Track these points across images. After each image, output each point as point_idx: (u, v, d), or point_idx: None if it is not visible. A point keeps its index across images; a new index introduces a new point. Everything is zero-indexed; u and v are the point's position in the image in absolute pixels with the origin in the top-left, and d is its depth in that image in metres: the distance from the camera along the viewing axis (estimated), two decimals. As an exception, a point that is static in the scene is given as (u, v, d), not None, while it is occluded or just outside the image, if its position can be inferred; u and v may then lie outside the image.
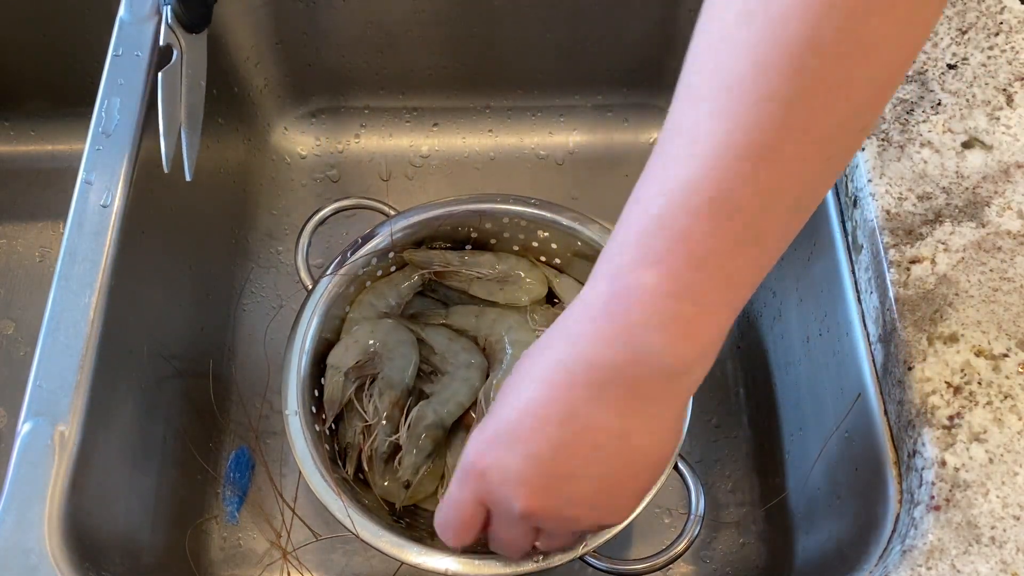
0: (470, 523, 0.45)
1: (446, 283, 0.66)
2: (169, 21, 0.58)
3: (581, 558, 0.52)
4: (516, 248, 0.66)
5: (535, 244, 0.65)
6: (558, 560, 0.52)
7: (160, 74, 0.58)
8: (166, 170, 0.57)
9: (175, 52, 0.59)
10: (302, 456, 0.55)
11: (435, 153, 0.82)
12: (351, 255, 0.62)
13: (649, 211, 0.36)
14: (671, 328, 0.37)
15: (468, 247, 0.66)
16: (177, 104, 0.58)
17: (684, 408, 0.42)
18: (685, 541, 0.53)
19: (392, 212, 0.64)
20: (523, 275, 0.65)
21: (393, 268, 0.65)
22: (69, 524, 0.48)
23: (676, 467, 0.55)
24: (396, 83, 0.81)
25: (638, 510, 0.50)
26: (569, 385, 0.39)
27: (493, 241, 0.66)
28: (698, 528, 0.54)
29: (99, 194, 0.56)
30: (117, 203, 0.56)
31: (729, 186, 0.34)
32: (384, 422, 0.60)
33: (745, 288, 0.38)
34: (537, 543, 0.48)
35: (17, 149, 0.82)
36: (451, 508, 0.45)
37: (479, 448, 0.42)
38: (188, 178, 0.58)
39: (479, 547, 0.51)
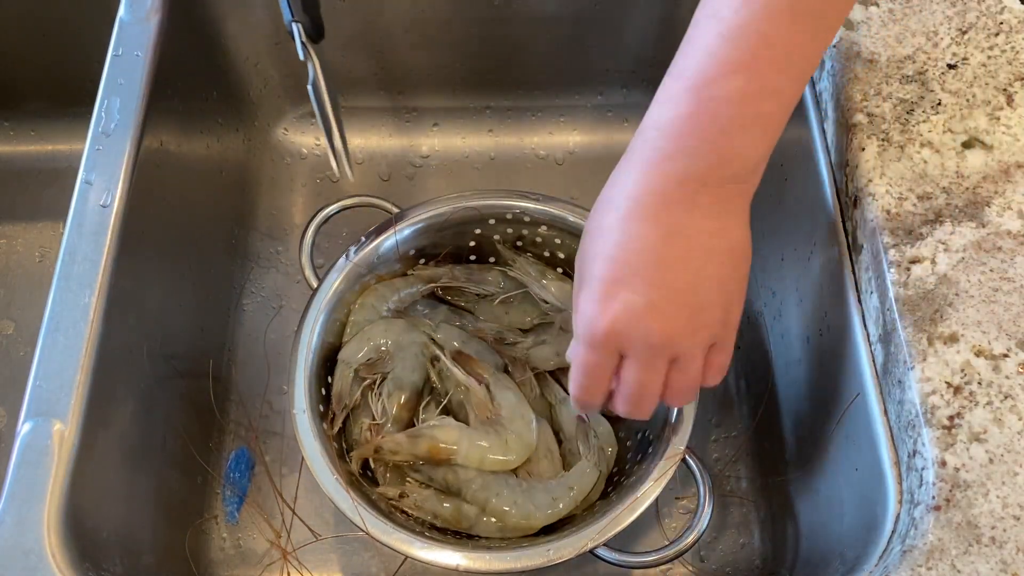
0: (604, 380, 0.46)
1: (451, 300, 0.66)
2: (303, 38, 0.61)
3: (592, 551, 0.52)
4: (519, 244, 0.66)
5: (538, 240, 0.65)
6: (568, 554, 0.52)
7: (309, 87, 0.60)
8: (346, 177, 0.63)
9: (310, 66, 0.61)
10: (311, 454, 0.55)
11: (435, 153, 0.82)
12: (356, 253, 0.62)
13: (730, 23, 0.39)
14: (753, 128, 0.40)
15: (471, 243, 0.66)
16: (327, 112, 0.61)
17: (748, 209, 0.44)
18: (695, 533, 0.54)
19: (396, 211, 0.64)
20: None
21: (398, 265, 0.65)
22: (69, 524, 0.48)
23: (684, 460, 0.55)
24: (396, 83, 0.81)
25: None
26: (664, 204, 0.41)
27: (496, 237, 0.66)
28: (707, 520, 0.54)
29: (99, 194, 0.56)
30: (117, 203, 0.56)
31: None
32: (391, 424, 0.60)
33: (806, 78, 0.41)
34: (670, 379, 0.46)
35: (17, 149, 0.82)
36: (583, 374, 0.46)
37: (595, 308, 0.43)
38: (351, 178, 0.64)
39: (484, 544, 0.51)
